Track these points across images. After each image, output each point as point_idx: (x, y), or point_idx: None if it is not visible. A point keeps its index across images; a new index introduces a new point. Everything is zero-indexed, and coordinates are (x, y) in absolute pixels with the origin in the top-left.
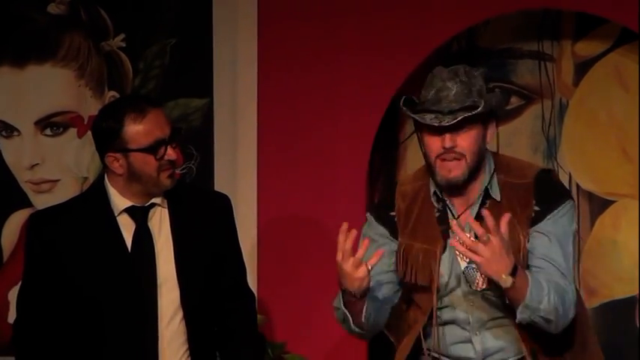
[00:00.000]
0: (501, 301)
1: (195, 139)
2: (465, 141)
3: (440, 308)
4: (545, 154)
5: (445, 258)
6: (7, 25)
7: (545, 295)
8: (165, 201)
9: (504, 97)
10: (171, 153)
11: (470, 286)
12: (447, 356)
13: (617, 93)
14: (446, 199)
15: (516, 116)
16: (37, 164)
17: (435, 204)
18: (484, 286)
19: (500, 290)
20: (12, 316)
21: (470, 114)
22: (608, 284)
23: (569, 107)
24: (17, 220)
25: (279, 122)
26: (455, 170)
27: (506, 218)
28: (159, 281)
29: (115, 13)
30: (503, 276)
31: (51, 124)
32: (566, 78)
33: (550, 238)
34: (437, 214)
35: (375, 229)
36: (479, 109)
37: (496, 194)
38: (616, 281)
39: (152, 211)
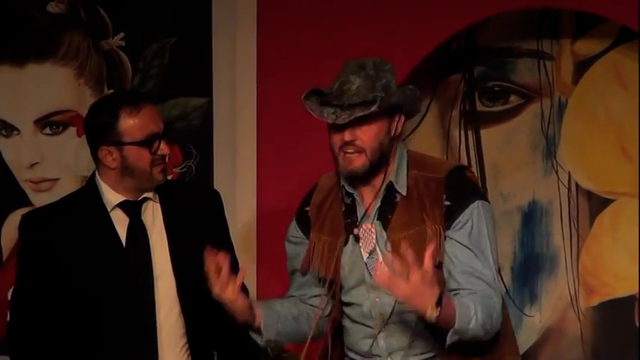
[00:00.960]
0: None
1: (195, 138)
2: (366, 135)
3: (348, 304)
4: (544, 152)
5: (347, 251)
6: (6, 24)
7: (473, 315)
8: (157, 195)
9: (415, 93)
10: (164, 147)
11: (372, 277)
12: (356, 352)
13: (617, 91)
14: (354, 192)
15: (516, 115)
16: (37, 163)
17: (344, 198)
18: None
19: None
20: None
21: (364, 113)
22: (608, 283)
23: (568, 106)
24: (17, 219)
25: (278, 121)
26: (355, 162)
27: (430, 250)
28: (155, 274)
29: (115, 12)
30: (428, 310)
31: (50, 123)
32: (565, 77)
33: (471, 250)
34: (343, 208)
35: (292, 231)
36: (373, 108)
37: (402, 188)
38: (615, 280)
39: (145, 205)
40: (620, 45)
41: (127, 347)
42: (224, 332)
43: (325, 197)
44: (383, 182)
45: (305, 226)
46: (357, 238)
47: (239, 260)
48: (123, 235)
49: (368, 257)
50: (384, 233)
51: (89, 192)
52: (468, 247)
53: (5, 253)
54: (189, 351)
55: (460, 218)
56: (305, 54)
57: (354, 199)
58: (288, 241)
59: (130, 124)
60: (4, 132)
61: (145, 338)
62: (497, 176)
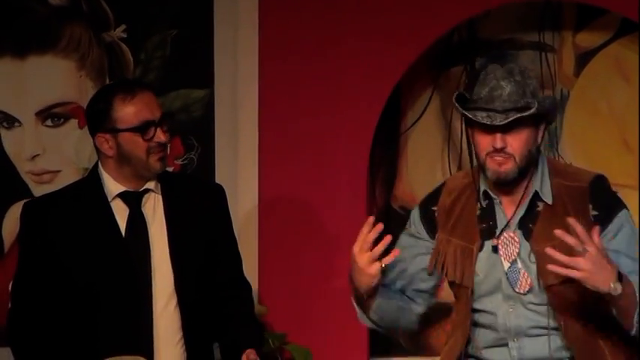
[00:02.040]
0: (544, 309)
1: (196, 130)
2: (516, 141)
3: (477, 311)
4: (546, 144)
5: (483, 257)
6: (7, 16)
7: None
8: (159, 187)
9: (556, 102)
10: (160, 135)
11: (513, 288)
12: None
13: (618, 84)
14: (496, 197)
15: None
16: (38, 155)
17: (481, 202)
18: (527, 288)
19: (542, 297)
20: None
21: (523, 114)
22: None
23: (569, 98)
24: (18, 211)
25: (280, 113)
26: (504, 165)
27: (596, 230)
28: (153, 266)
29: (116, 4)
30: (612, 284)
31: (52, 114)
32: (567, 69)
33: (628, 257)
34: (478, 213)
35: (415, 224)
36: (531, 111)
37: (547, 197)
38: None
39: (146, 196)
40: (622, 37)
41: (124, 337)
42: (225, 325)
43: (456, 199)
44: (526, 190)
45: (430, 226)
46: (495, 249)
47: (241, 253)
48: (122, 225)
49: (509, 267)
50: (527, 243)
51: (91, 181)
52: (625, 255)
53: (7, 245)
54: (185, 345)
55: (610, 227)
56: (306, 45)
57: (490, 203)
58: (406, 233)
59: (124, 110)
60: (5, 124)
61: (141, 329)
62: None
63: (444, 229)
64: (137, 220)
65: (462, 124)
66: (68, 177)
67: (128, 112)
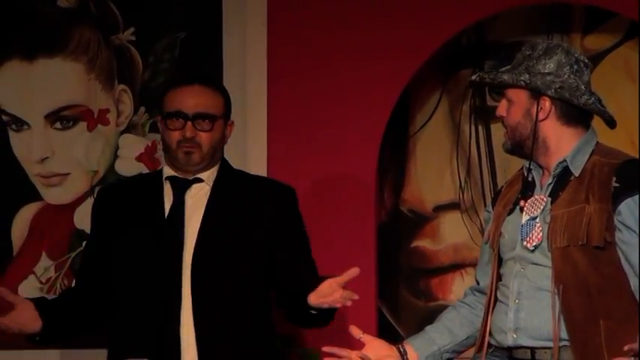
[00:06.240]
0: (548, 272)
1: None
2: (503, 111)
3: (500, 278)
4: None
5: (510, 219)
6: (16, 19)
7: None
8: (214, 179)
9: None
10: (189, 131)
11: (522, 242)
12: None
13: (627, 86)
14: (539, 169)
15: None
16: (47, 158)
17: (524, 174)
18: (535, 243)
19: (547, 260)
20: None
21: (492, 81)
22: None
23: None
24: (27, 213)
25: (288, 116)
26: (505, 136)
27: None
28: (184, 255)
29: (125, 7)
30: None
31: (61, 117)
32: None
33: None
34: (523, 185)
35: (489, 209)
36: (495, 80)
37: (575, 170)
38: None
39: (196, 186)
40: (630, 40)
41: (146, 319)
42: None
43: (516, 176)
44: (560, 162)
45: (494, 201)
46: (521, 209)
47: None
48: (168, 208)
49: (527, 221)
50: (550, 207)
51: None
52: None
53: (16, 248)
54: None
55: (628, 200)
56: (315, 48)
57: (531, 175)
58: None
59: (169, 96)
60: (14, 127)
61: (169, 307)
62: (508, 170)
63: (500, 202)
64: (177, 206)
65: (470, 126)
66: (77, 180)
67: (170, 98)
